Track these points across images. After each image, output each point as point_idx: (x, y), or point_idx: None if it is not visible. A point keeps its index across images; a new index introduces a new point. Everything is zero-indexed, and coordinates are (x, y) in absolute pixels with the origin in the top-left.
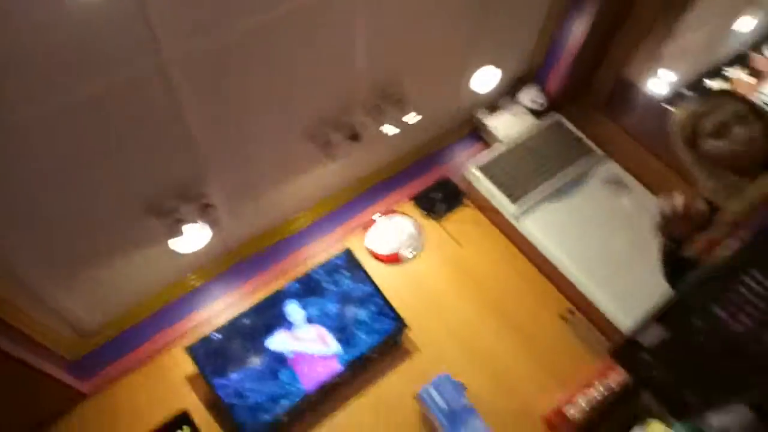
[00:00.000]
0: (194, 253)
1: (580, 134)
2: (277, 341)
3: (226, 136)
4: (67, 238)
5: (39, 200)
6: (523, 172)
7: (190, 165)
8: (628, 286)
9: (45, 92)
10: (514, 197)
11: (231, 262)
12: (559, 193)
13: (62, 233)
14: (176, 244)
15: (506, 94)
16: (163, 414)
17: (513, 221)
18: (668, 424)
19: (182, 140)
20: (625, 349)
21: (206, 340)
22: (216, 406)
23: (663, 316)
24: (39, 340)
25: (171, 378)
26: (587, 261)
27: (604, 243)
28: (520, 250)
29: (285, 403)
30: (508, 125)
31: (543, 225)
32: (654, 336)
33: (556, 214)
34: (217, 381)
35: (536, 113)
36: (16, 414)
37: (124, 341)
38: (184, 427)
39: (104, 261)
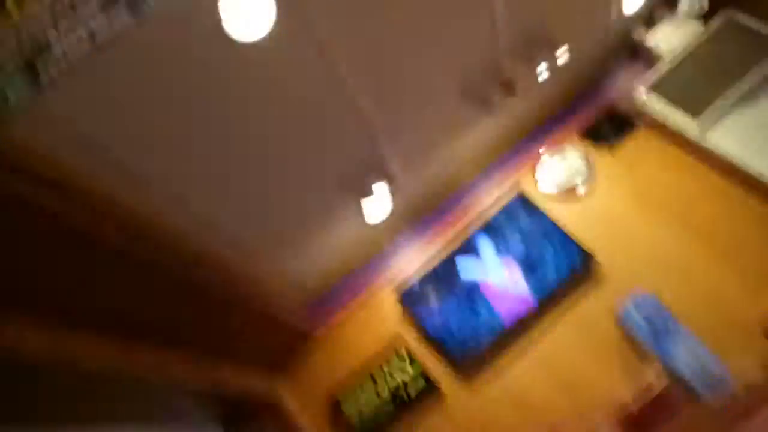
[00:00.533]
0: (384, 223)
1: (760, 26)
2: (471, 271)
3: (393, 109)
4: (291, 222)
5: (268, 197)
6: (698, 84)
7: (369, 142)
8: None
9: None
10: (694, 112)
11: (415, 218)
12: (746, 99)
13: (286, 218)
14: (368, 215)
15: (661, 4)
16: (381, 347)
17: (697, 137)
18: None
19: (359, 122)
20: None
21: (408, 285)
22: (427, 343)
23: None
24: (276, 294)
25: (384, 320)
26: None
27: None
28: (708, 165)
29: (487, 337)
30: (670, 38)
31: (734, 136)
32: None
33: (748, 121)
34: (425, 319)
35: (700, 17)
36: (268, 353)
37: (338, 292)
38: (406, 358)
39: (314, 233)
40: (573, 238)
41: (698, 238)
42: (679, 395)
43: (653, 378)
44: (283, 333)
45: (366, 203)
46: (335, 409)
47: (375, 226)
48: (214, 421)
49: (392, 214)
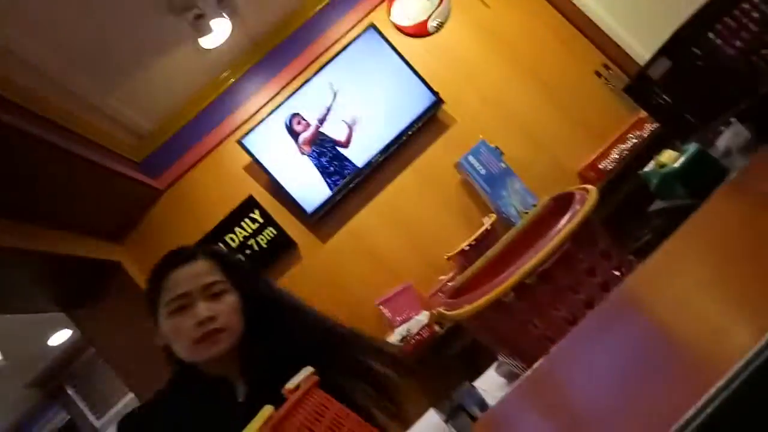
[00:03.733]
0: (223, 49)
1: None
2: (317, 114)
3: None
4: (102, 48)
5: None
6: None
7: None
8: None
9: None
10: None
11: (260, 54)
12: None
13: (97, 43)
14: (202, 40)
15: None
16: (231, 201)
17: None
18: (679, 150)
19: None
20: (637, 84)
21: (255, 132)
22: (276, 191)
23: (667, 47)
24: (106, 145)
25: (231, 169)
26: (625, 11)
27: None
28: (554, 6)
29: (334, 185)
30: None
31: None
32: (661, 68)
33: None
34: (272, 168)
35: None
36: (109, 212)
37: (180, 140)
38: (255, 210)
39: (140, 65)
40: (423, 79)
41: (540, 87)
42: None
43: (487, 222)
44: (122, 189)
45: (201, 26)
46: None
47: (214, 62)
48: (52, 304)
49: (232, 48)
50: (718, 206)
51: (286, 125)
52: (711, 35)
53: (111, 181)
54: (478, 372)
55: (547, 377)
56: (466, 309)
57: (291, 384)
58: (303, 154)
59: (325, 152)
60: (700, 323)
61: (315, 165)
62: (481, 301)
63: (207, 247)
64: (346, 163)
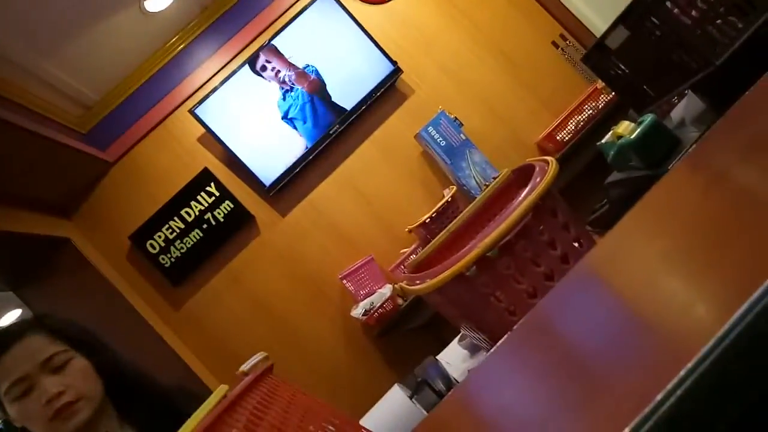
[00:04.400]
0: (170, 13)
1: None
2: (271, 83)
3: None
4: (39, 10)
5: None
6: None
7: None
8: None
9: None
10: None
11: (210, 19)
12: None
13: (33, 5)
14: (147, 2)
15: None
16: (185, 173)
17: None
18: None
19: None
20: (594, 53)
21: (208, 101)
22: (232, 163)
23: (625, 16)
24: (47, 115)
25: (184, 140)
26: None
27: None
28: None
29: (292, 156)
30: None
31: None
32: (619, 37)
33: None
34: (226, 139)
35: None
36: (56, 185)
37: (129, 110)
38: (211, 183)
39: (80, 30)
40: (382, 47)
41: (498, 57)
42: (464, 206)
43: (448, 194)
44: (67, 162)
45: None
46: (136, 241)
47: (162, 28)
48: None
49: (180, 12)
50: (678, 179)
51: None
52: (669, 4)
53: (55, 153)
54: (442, 343)
55: (510, 356)
56: (428, 284)
57: (246, 366)
58: (260, 122)
59: (283, 120)
60: (666, 299)
61: (273, 133)
62: (443, 276)
63: (37, 318)
64: (304, 136)
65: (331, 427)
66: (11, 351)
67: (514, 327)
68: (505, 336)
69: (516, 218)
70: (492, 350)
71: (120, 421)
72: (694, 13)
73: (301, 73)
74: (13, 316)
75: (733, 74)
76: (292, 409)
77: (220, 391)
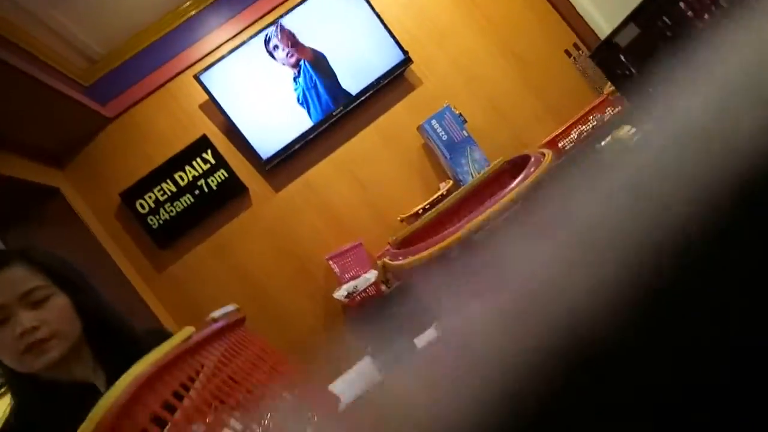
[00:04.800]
0: None
1: None
2: (280, 59)
3: None
4: None
5: None
6: None
7: None
8: None
9: None
10: None
11: None
12: None
13: None
14: None
15: None
16: (183, 138)
17: None
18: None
19: None
20: (603, 50)
21: (214, 69)
22: (232, 133)
23: (637, 14)
24: (51, 63)
25: (185, 105)
26: None
27: None
28: None
29: (294, 132)
30: None
31: None
32: (628, 35)
33: None
34: (229, 109)
35: None
36: (52, 134)
37: (134, 68)
38: (208, 150)
39: None
40: (395, 35)
41: (510, 59)
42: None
43: (443, 188)
44: (66, 112)
45: None
46: (126, 199)
47: None
48: None
49: None
50: None
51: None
52: (682, 5)
53: (55, 102)
54: (418, 329)
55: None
56: (410, 260)
57: (217, 313)
58: (265, 96)
59: (288, 97)
60: None
61: (276, 109)
62: (425, 254)
63: (22, 251)
64: (308, 114)
65: (297, 386)
66: None
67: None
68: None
69: (505, 204)
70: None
71: (94, 364)
72: (706, 16)
73: (310, 53)
74: None
75: None
76: (260, 363)
77: (185, 332)
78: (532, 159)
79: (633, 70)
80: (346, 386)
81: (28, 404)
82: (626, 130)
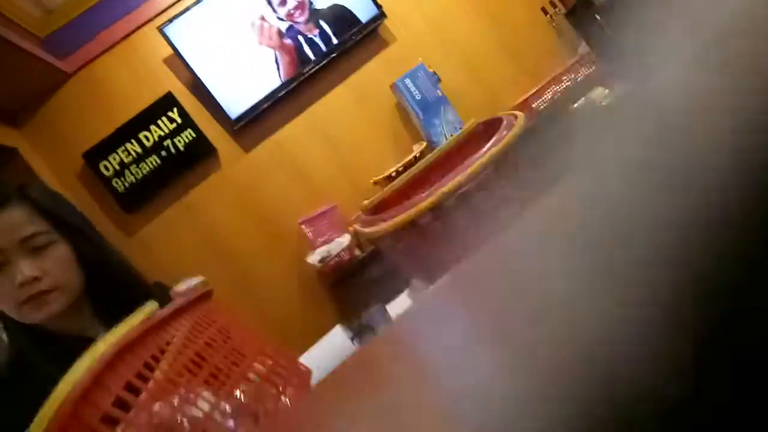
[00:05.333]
0: None
1: None
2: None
3: None
4: None
5: None
6: None
7: None
8: None
9: None
10: None
11: None
12: None
13: None
14: None
15: None
16: (147, 95)
17: None
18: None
19: None
20: (579, 9)
21: (180, 21)
22: (199, 90)
23: None
24: (4, 12)
25: (149, 60)
26: None
27: None
28: None
29: (262, 91)
30: None
31: None
32: None
33: None
34: (195, 64)
35: None
36: (7, 90)
37: (93, 20)
38: (174, 109)
39: None
40: None
41: (485, 16)
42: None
43: (417, 149)
44: (21, 66)
45: None
46: (89, 161)
47: None
48: None
49: None
50: None
51: None
52: None
53: (8, 55)
54: (392, 296)
55: (449, 296)
56: (382, 227)
57: (181, 286)
58: (232, 52)
59: (255, 54)
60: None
61: (244, 66)
62: (397, 220)
63: (23, 190)
64: (278, 71)
65: (268, 360)
66: None
67: (455, 268)
68: (446, 275)
69: (476, 169)
70: (430, 289)
71: (92, 318)
72: None
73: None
74: None
75: None
76: (228, 338)
77: (148, 308)
78: (504, 122)
79: (608, 30)
80: (317, 358)
81: (23, 352)
82: (600, 92)
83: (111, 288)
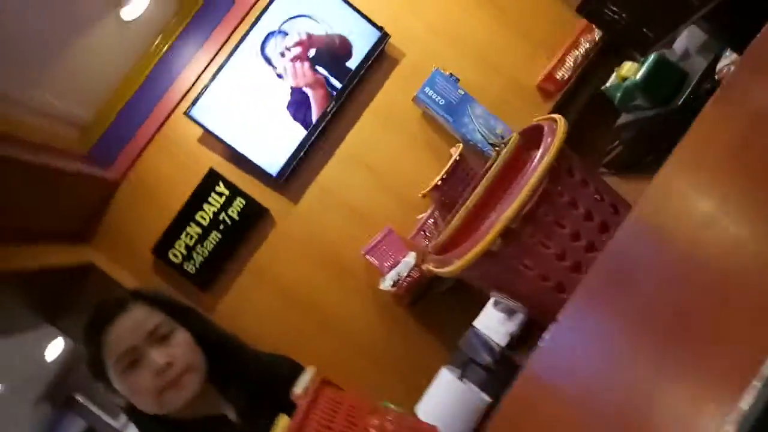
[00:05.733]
0: (148, 16)
1: None
2: (260, 72)
3: None
4: (13, 37)
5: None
6: None
7: None
8: None
9: None
10: None
11: (189, 15)
12: None
13: (7, 33)
14: (123, 11)
15: None
16: (192, 177)
17: None
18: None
19: None
20: (590, 1)
21: (201, 100)
22: (236, 158)
23: None
24: (47, 143)
25: (184, 144)
26: None
27: None
28: None
29: (295, 140)
30: None
31: None
32: None
33: None
34: (226, 134)
35: None
36: (68, 214)
37: (124, 124)
38: (219, 183)
39: (61, 52)
40: (365, 15)
41: (487, 6)
42: (474, 163)
43: (455, 153)
44: (74, 187)
45: None
46: (159, 253)
47: (142, 33)
48: (36, 318)
49: (158, 13)
50: (714, 116)
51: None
52: None
53: (59, 182)
54: (474, 301)
55: (582, 320)
56: (457, 265)
57: (298, 388)
58: (256, 112)
59: (278, 108)
60: (749, 256)
61: (270, 121)
62: (470, 255)
63: (135, 292)
64: (303, 118)
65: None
66: (117, 323)
67: (575, 291)
68: (568, 302)
69: (533, 185)
70: (557, 320)
71: (217, 397)
72: None
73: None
74: (57, 347)
75: (738, 3)
76: (352, 416)
77: (281, 423)
78: (546, 128)
79: (622, 14)
80: (436, 409)
81: None
82: (629, 67)
83: (231, 363)
